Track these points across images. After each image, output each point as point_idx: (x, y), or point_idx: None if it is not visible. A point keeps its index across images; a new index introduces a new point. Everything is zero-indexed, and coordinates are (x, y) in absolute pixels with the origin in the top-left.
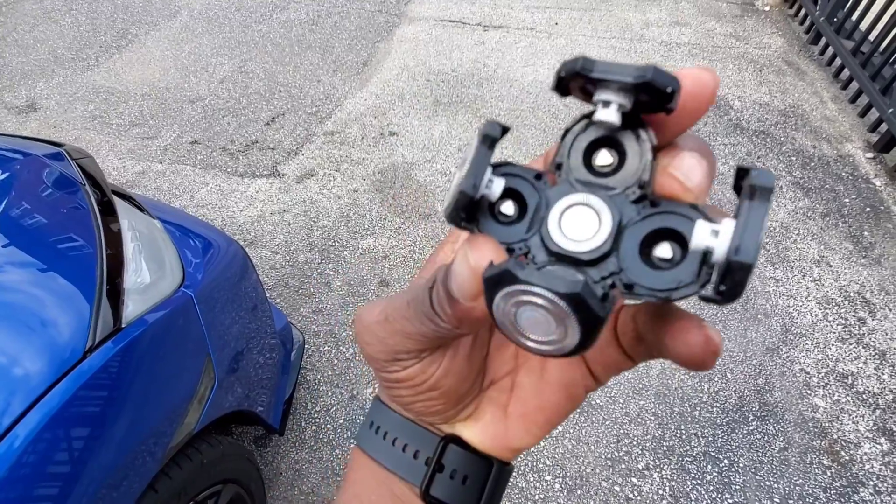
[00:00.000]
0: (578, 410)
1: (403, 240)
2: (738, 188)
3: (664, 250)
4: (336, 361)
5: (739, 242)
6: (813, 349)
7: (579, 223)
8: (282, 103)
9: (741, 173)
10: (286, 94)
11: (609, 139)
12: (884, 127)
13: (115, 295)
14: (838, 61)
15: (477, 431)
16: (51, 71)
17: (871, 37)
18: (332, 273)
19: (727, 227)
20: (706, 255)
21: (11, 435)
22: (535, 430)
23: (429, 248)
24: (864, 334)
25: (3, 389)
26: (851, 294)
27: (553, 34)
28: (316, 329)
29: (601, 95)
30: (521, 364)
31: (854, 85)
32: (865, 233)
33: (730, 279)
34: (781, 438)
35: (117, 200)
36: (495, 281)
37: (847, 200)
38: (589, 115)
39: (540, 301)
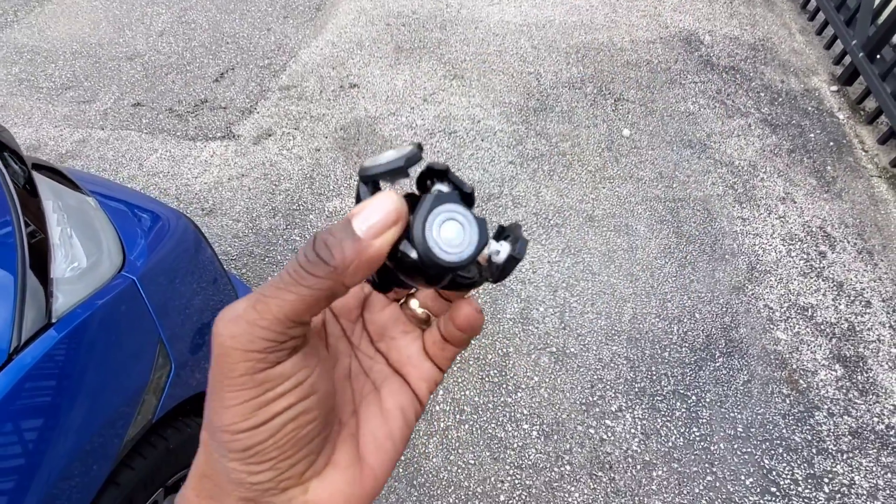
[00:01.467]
0: (553, 360)
1: None
2: (500, 233)
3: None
4: None
5: (519, 249)
6: (776, 285)
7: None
8: (230, 56)
9: (501, 229)
10: (234, 45)
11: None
12: (848, 59)
13: (45, 283)
14: None
15: (335, 479)
16: None
17: None
18: (298, 239)
19: (504, 244)
20: (490, 257)
21: None
22: (386, 464)
23: None
24: (823, 267)
25: None
26: (813, 229)
27: None
28: None
29: (441, 183)
30: (361, 401)
31: (821, 16)
32: (828, 167)
33: (509, 264)
34: (745, 372)
35: (41, 178)
36: (440, 200)
37: (812, 136)
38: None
39: (460, 218)
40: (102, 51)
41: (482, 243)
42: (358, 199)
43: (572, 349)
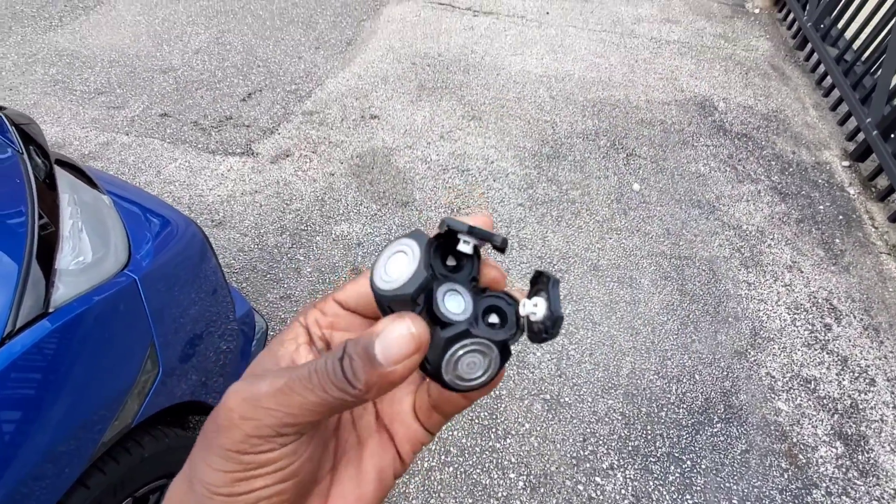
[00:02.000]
0: (547, 408)
1: (379, 227)
2: (534, 282)
3: (492, 318)
4: None
5: (555, 306)
6: (780, 353)
7: (454, 301)
8: (260, 79)
9: (538, 276)
10: (265, 69)
11: (457, 254)
12: (861, 136)
13: (49, 273)
14: (822, 68)
15: None
16: (7, 28)
17: (855, 46)
18: (302, 259)
19: (541, 302)
20: (525, 317)
21: None
22: None
23: None
24: (829, 340)
25: None
26: (820, 300)
27: (543, 24)
28: (282, 316)
29: (465, 238)
30: (342, 457)
31: (836, 93)
32: (837, 240)
33: (555, 325)
34: (744, 441)
35: (61, 172)
36: (456, 337)
37: (822, 208)
38: (442, 238)
39: (481, 348)
40: (139, 62)
41: (497, 370)
42: (377, 301)
43: (567, 398)
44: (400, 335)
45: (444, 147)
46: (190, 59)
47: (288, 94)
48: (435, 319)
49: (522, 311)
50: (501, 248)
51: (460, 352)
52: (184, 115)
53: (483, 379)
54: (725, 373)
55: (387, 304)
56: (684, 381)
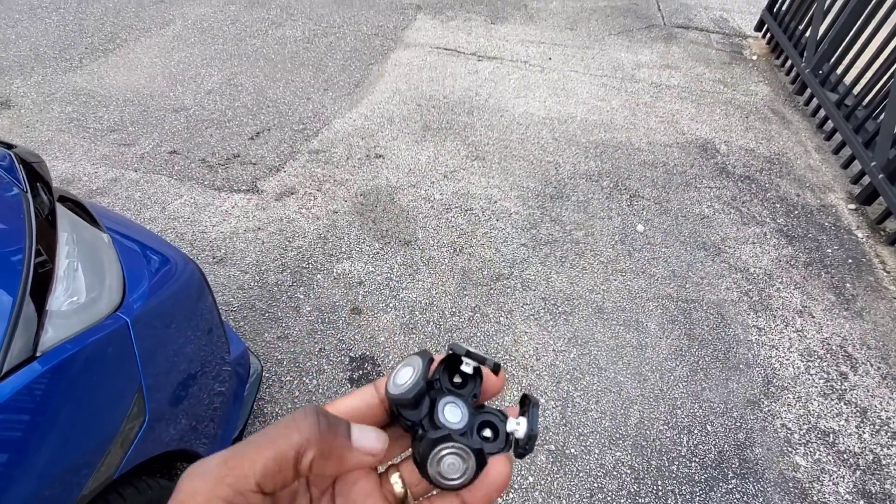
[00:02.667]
0: (552, 460)
1: (380, 266)
2: (522, 403)
3: (487, 432)
4: (297, 393)
5: (532, 426)
6: (795, 403)
7: (452, 412)
8: (268, 118)
9: (524, 399)
10: (274, 109)
11: (462, 373)
12: (866, 179)
13: (40, 314)
14: (823, 112)
15: None
16: (30, 69)
17: (855, 91)
18: (302, 297)
19: (523, 421)
20: (511, 434)
21: None
22: None
23: (406, 276)
24: (845, 390)
25: None
26: (833, 347)
27: (546, 69)
28: (279, 357)
29: (467, 361)
30: None
31: (838, 136)
32: (847, 284)
33: (530, 443)
34: (761, 499)
35: (63, 210)
36: (440, 439)
37: (830, 251)
38: (449, 359)
39: (461, 452)
40: (152, 101)
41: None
42: (389, 404)
43: (573, 450)
44: (374, 439)
45: (447, 186)
46: (202, 99)
47: (295, 134)
48: (433, 425)
49: (508, 429)
50: (495, 371)
51: (442, 452)
52: (192, 152)
53: (460, 481)
54: (738, 423)
55: (394, 406)
56: (696, 431)
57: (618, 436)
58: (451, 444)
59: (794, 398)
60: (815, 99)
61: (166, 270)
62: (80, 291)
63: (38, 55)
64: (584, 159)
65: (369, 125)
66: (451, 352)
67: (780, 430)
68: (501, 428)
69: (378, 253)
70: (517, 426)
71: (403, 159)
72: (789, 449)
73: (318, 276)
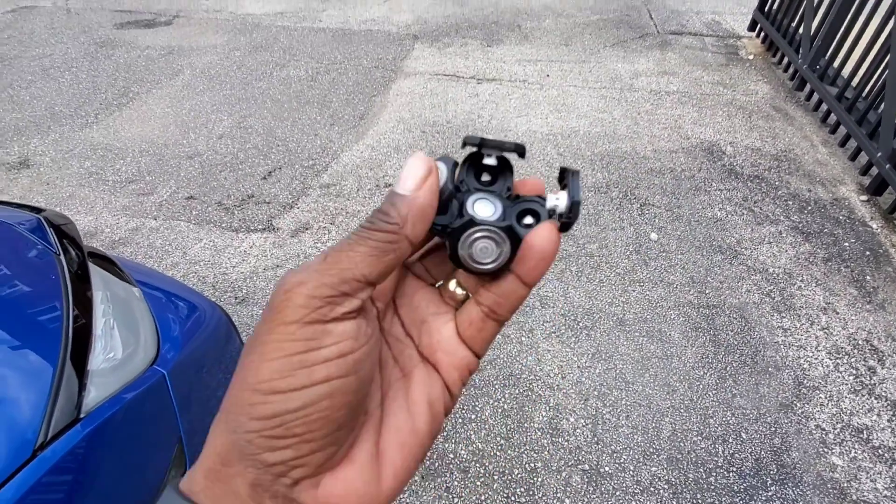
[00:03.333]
0: (586, 480)
1: None
2: (561, 179)
3: (528, 220)
4: None
5: (574, 194)
6: (827, 403)
7: (484, 206)
8: (279, 157)
9: (563, 172)
10: (284, 148)
11: (489, 169)
12: (874, 170)
13: (81, 375)
14: (825, 106)
15: (350, 477)
16: (46, 127)
17: (854, 83)
18: None
19: (562, 193)
20: (553, 209)
21: None
22: (408, 463)
23: None
24: (875, 384)
25: None
26: (860, 342)
27: (545, 86)
28: None
29: (485, 151)
30: (388, 390)
31: (842, 129)
32: (867, 277)
33: (573, 210)
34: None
35: (94, 268)
36: (468, 224)
37: (847, 244)
38: (470, 158)
39: (492, 235)
40: (167, 150)
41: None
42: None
43: (607, 468)
44: (411, 165)
45: None
46: (214, 143)
47: (306, 170)
48: (463, 219)
49: (549, 205)
50: (520, 153)
51: (473, 236)
52: (208, 196)
53: (494, 265)
54: (773, 428)
55: None
56: (730, 440)
57: (651, 450)
58: (477, 227)
59: (825, 398)
60: (815, 94)
61: (196, 318)
62: (117, 348)
63: (53, 114)
64: (591, 171)
65: (376, 155)
66: (465, 144)
67: (814, 432)
68: (542, 211)
69: None
70: (557, 200)
71: None
72: (825, 450)
73: None
